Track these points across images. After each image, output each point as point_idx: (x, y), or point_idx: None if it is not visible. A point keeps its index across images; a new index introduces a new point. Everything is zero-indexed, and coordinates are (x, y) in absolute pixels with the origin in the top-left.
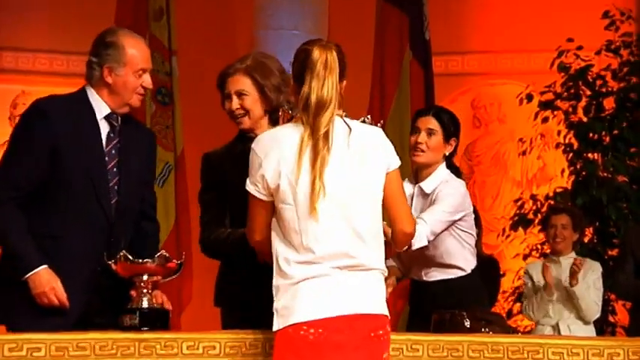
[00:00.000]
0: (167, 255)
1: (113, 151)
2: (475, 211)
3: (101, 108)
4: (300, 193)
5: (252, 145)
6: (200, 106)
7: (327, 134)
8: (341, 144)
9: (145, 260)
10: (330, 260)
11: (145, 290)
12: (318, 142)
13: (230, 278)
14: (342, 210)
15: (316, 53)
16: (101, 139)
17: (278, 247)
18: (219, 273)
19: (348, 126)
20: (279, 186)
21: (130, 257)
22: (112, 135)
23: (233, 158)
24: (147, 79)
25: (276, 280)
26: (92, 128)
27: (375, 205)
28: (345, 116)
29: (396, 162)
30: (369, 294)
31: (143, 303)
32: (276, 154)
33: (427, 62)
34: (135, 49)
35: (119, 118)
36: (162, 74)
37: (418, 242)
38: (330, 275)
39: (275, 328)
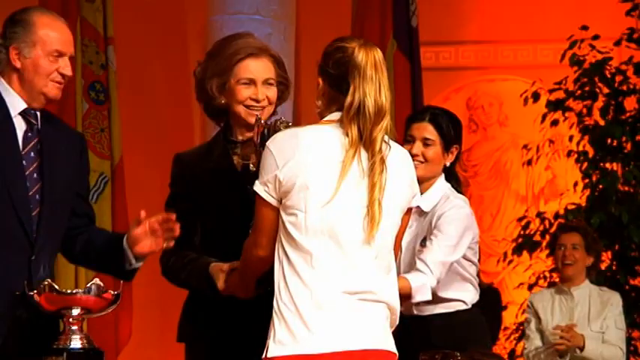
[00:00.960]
0: (101, 284)
1: (32, 154)
2: None
3: (15, 102)
4: (329, 212)
5: (269, 144)
6: (142, 106)
7: (381, 151)
8: (390, 167)
9: (74, 291)
10: (350, 293)
11: (74, 327)
12: (375, 160)
13: (198, 308)
14: (371, 239)
15: (362, 53)
16: (17, 139)
17: (286, 267)
18: (186, 302)
19: (388, 144)
20: (294, 193)
21: (56, 287)
22: (29, 134)
23: (210, 164)
24: (64, 64)
25: (279, 305)
26: (5, 126)
27: (394, 235)
28: None
29: (417, 200)
30: (382, 329)
31: (72, 342)
32: (303, 159)
33: (414, 54)
34: (48, 28)
35: (38, 116)
36: (96, 67)
37: (420, 296)
38: (343, 304)
39: (269, 355)
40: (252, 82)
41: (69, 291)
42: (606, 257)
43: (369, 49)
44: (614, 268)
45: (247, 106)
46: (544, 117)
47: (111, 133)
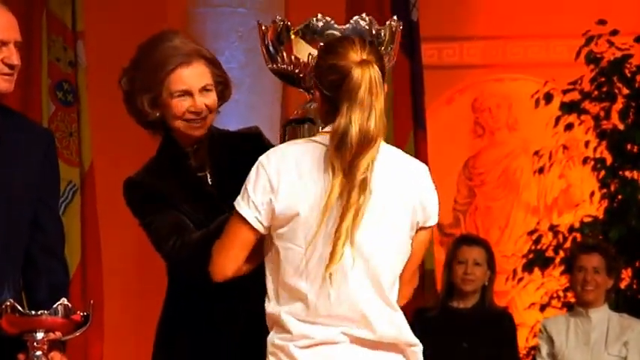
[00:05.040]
0: (69, 305)
1: None
2: (488, 249)
3: None
4: (319, 240)
5: (264, 161)
6: (115, 107)
7: (365, 181)
8: (379, 183)
9: (39, 312)
10: (342, 326)
11: (39, 352)
12: (352, 190)
13: (173, 335)
14: (367, 265)
15: (356, 74)
16: None
17: (280, 297)
18: (159, 327)
19: (390, 156)
20: (289, 221)
21: (19, 308)
22: None
23: (171, 181)
24: (9, 53)
25: (274, 338)
26: None
27: (402, 261)
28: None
29: (435, 218)
30: None
31: None
32: (294, 181)
33: (414, 50)
34: None
35: None
36: (63, 64)
37: None
38: (340, 346)
39: None
40: (187, 93)
41: (33, 312)
42: (626, 275)
43: (366, 67)
44: (634, 287)
45: (187, 120)
46: (557, 120)
47: (80, 137)
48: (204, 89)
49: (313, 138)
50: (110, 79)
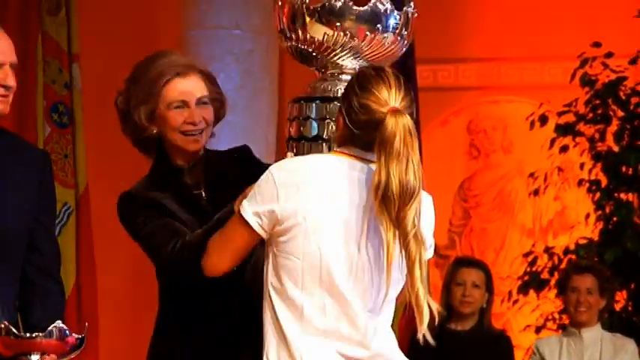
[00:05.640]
0: (64, 327)
1: None
2: (487, 271)
3: None
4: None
5: (274, 171)
6: (110, 129)
7: (417, 234)
8: None
9: (34, 335)
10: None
11: None
12: (409, 244)
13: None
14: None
15: (391, 124)
16: None
17: (283, 309)
18: (150, 347)
19: None
20: (297, 235)
21: (14, 330)
22: None
23: (165, 198)
24: (3, 75)
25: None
26: None
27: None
28: None
29: (430, 251)
30: None
31: None
32: (311, 195)
33: (410, 72)
34: None
35: None
36: (59, 86)
37: None
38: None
39: None
40: (184, 104)
41: (28, 335)
42: (621, 297)
43: (399, 116)
44: (629, 309)
45: (184, 132)
46: (552, 142)
47: (75, 159)
48: (200, 101)
49: (327, 155)
50: (105, 102)
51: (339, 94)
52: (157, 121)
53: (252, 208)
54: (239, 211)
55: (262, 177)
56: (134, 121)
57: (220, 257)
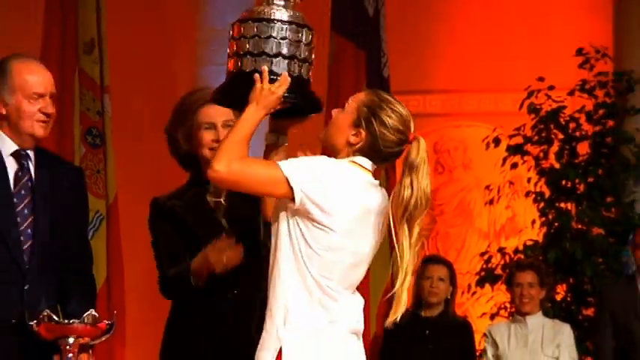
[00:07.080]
0: (96, 315)
1: (23, 191)
2: (450, 267)
3: (6, 145)
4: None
5: (324, 160)
6: (135, 149)
7: (420, 236)
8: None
9: (71, 321)
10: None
11: (70, 355)
12: (415, 247)
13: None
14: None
15: (415, 149)
16: (7, 179)
17: (298, 287)
18: (164, 338)
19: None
20: (343, 222)
21: (55, 317)
22: (19, 174)
23: (184, 204)
24: (45, 104)
25: (282, 330)
26: None
27: None
28: None
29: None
30: None
31: None
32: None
33: None
34: (25, 73)
35: (30, 155)
36: (92, 113)
37: None
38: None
39: None
40: (212, 125)
41: (66, 321)
42: (561, 290)
43: (421, 141)
44: (568, 299)
45: (212, 149)
46: (504, 160)
47: (106, 174)
48: (226, 124)
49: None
50: (130, 126)
51: (272, 17)
52: (192, 141)
53: (299, 173)
54: (282, 167)
55: (315, 158)
56: (177, 141)
57: (241, 178)
